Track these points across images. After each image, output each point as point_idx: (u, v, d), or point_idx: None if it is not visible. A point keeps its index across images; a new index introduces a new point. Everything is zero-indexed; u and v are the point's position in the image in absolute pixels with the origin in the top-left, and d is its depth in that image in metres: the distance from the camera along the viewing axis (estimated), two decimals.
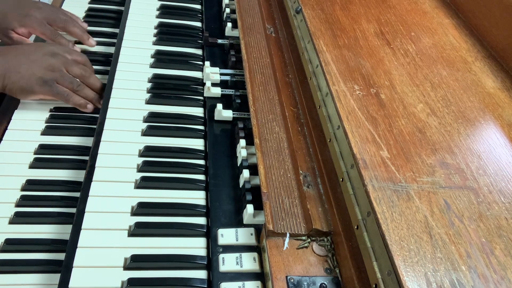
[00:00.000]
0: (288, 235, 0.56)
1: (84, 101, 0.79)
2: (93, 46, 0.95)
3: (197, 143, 0.76)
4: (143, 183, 0.67)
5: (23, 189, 0.67)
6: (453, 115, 0.61)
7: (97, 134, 0.74)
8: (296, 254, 0.56)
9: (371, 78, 0.66)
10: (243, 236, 0.61)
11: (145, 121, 0.78)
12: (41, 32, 0.88)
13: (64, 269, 0.56)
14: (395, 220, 0.46)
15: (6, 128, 0.76)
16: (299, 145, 0.69)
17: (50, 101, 0.80)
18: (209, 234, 0.62)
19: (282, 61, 0.85)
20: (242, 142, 0.71)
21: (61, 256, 0.58)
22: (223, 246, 0.60)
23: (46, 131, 0.76)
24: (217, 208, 0.65)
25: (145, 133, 0.76)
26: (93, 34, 0.99)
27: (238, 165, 0.70)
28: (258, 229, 0.62)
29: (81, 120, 0.80)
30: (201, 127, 0.79)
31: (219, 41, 0.96)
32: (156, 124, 0.77)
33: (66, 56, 0.79)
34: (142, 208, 0.64)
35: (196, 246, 0.61)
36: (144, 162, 0.70)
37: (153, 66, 0.90)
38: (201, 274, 0.58)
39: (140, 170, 0.70)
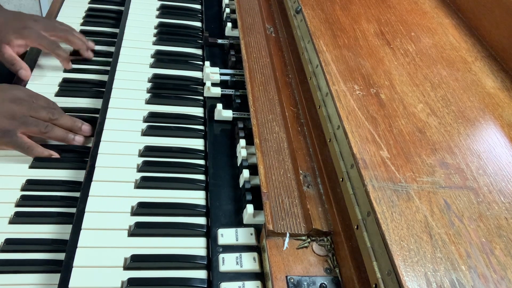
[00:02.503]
0: (288, 235, 0.56)
1: (47, 153, 0.72)
2: (91, 58, 0.92)
3: (197, 143, 0.76)
4: (143, 183, 0.67)
5: (23, 189, 0.67)
6: (453, 115, 0.61)
7: (97, 134, 0.74)
8: (296, 254, 0.56)
9: (371, 78, 0.66)
10: (243, 236, 0.61)
11: (145, 121, 0.78)
12: (39, 44, 0.85)
13: (64, 269, 0.56)
14: (395, 220, 0.46)
15: None
16: (299, 145, 0.69)
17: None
18: (209, 234, 0.62)
19: (282, 61, 0.85)
20: (242, 142, 0.71)
21: (61, 256, 0.58)
22: (223, 246, 0.60)
23: None
24: (217, 208, 0.65)
25: (145, 133, 0.76)
26: (93, 34, 0.99)
27: (238, 165, 0.70)
28: (258, 229, 0.62)
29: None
30: (201, 127, 0.79)
31: (219, 41, 0.96)
32: (156, 124, 0.77)
33: (30, 101, 0.73)
34: (142, 208, 0.64)
35: (196, 246, 0.61)
36: (144, 162, 0.70)
37: (153, 66, 0.90)
38: (201, 274, 0.58)
39: (140, 170, 0.70)
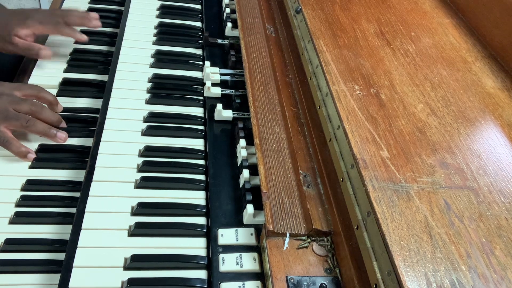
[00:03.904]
0: (288, 235, 0.56)
1: (25, 150, 0.71)
2: (99, 26, 0.92)
3: (197, 143, 0.76)
4: (143, 183, 0.67)
5: (23, 189, 0.67)
6: (453, 115, 0.61)
7: (97, 134, 0.74)
8: (296, 254, 0.56)
9: (371, 78, 0.66)
10: (243, 236, 0.61)
11: (145, 121, 0.78)
12: (44, 28, 0.87)
13: (64, 269, 0.56)
14: (395, 220, 0.46)
15: None
16: (299, 145, 0.69)
17: None
18: (209, 234, 0.62)
19: (282, 61, 0.85)
20: (242, 142, 0.71)
21: (61, 256, 0.58)
22: (223, 246, 0.60)
23: None
24: (217, 208, 0.65)
25: (145, 133, 0.76)
26: (93, 34, 0.99)
27: (238, 165, 0.70)
28: (258, 229, 0.62)
29: (81, 120, 0.80)
30: (201, 127, 0.79)
31: (219, 41, 0.96)
32: (156, 124, 0.77)
33: (12, 94, 0.72)
34: (142, 208, 0.64)
35: (196, 246, 0.61)
36: (144, 162, 0.70)
37: (153, 66, 0.90)
38: (201, 274, 0.58)
39: (140, 170, 0.70)
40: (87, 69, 0.90)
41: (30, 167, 0.71)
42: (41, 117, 0.74)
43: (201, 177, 0.71)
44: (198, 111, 0.82)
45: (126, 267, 0.57)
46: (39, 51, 0.85)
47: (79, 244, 0.58)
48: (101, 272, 0.56)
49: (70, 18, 0.89)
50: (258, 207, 0.62)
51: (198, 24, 1.06)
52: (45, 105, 0.76)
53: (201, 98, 0.85)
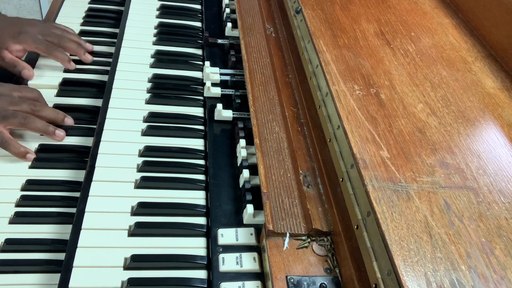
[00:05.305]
0: (288, 235, 0.56)
1: (24, 150, 0.70)
2: (89, 61, 0.91)
3: (197, 143, 0.76)
4: (143, 183, 0.67)
5: (23, 189, 0.67)
6: (453, 115, 0.61)
7: (97, 134, 0.74)
8: (296, 254, 0.56)
9: (371, 78, 0.66)
10: (243, 236, 0.61)
11: (145, 121, 0.78)
12: (36, 47, 0.85)
13: (64, 269, 0.56)
14: (395, 220, 0.46)
15: None
16: (299, 145, 0.69)
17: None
18: (209, 234, 0.62)
19: (282, 61, 0.85)
20: (242, 142, 0.71)
21: (61, 256, 0.58)
22: (223, 246, 0.60)
23: None
24: (217, 208, 0.65)
25: (145, 133, 0.76)
26: (93, 34, 0.99)
27: (238, 165, 0.70)
28: (258, 229, 0.62)
29: (81, 120, 0.80)
30: (201, 127, 0.79)
31: (219, 41, 0.96)
32: (156, 124, 0.77)
33: (12, 95, 0.73)
34: (142, 208, 0.64)
35: (196, 246, 0.61)
36: (144, 162, 0.70)
37: (153, 66, 0.90)
38: (201, 274, 0.58)
39: (140, 170, 0.70)
40: (87, 69, 0.90)
41: (30, 167, 0.71)
42: (41, 115, 0.74)
43: (201, 177, 0.71)
44: (198, 111, 0.82)
45: (126, 267, 0.57)
46: (23, 71, 0.83)
47: (79, 244, 0.58)
48: (101, 272, 0.56)
49: (66, 43, 0.87)
50: (258, 207, 0.62)
51: (198, 24, 1.06)
52: (45, 104, 0.76)
53: (201, 98, 0.85)
